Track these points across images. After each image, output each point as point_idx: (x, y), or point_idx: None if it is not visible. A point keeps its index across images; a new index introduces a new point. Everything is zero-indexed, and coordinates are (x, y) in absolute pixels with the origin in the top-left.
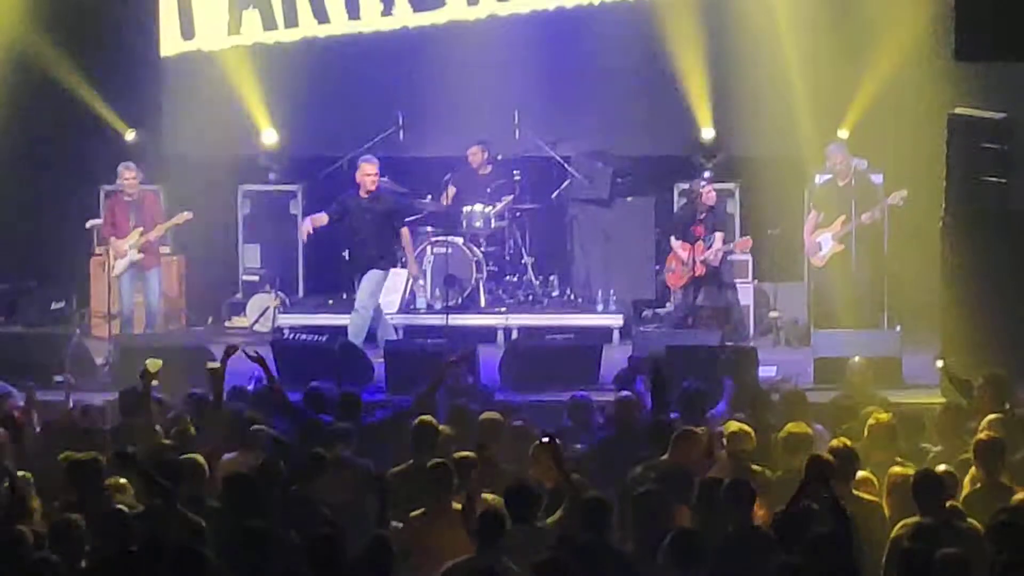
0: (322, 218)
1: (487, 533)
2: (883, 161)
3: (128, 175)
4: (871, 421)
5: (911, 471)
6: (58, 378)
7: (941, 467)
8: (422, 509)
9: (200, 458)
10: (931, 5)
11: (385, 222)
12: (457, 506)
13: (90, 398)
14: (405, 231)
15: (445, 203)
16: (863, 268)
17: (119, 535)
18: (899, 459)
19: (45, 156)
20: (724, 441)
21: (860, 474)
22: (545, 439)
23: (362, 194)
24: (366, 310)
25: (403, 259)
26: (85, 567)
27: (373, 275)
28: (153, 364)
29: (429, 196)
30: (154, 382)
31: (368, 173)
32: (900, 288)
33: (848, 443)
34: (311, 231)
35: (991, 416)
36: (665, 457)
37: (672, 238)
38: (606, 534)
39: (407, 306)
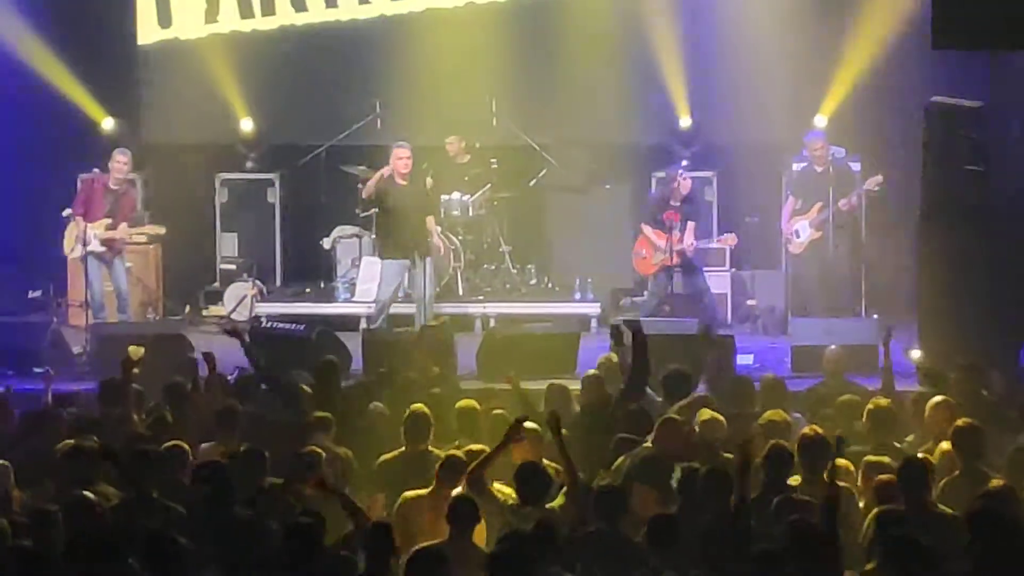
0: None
1: (460, 518)
2: (861, 149)
3: (121, 161)
4: (870, 406)
5: (886, 459)
6: (38, 370)
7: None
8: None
9: (183, 445)
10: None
11: (419, 209)
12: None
13: (68, 386)
14: (431, 219)
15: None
16: (840, 256)
17: (94, 524)
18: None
19: (22, 144)
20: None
21: (839, 462)
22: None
23: (399, 180)
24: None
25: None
26: (61, 556)
27: (391, 265)
28: (135, 352)
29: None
30: (134, 370)
31: (401, 157)
32: (877, 276)
33: (819, 431)
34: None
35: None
36: (648, 444)
37: (643, 224)
38: (619, 523)
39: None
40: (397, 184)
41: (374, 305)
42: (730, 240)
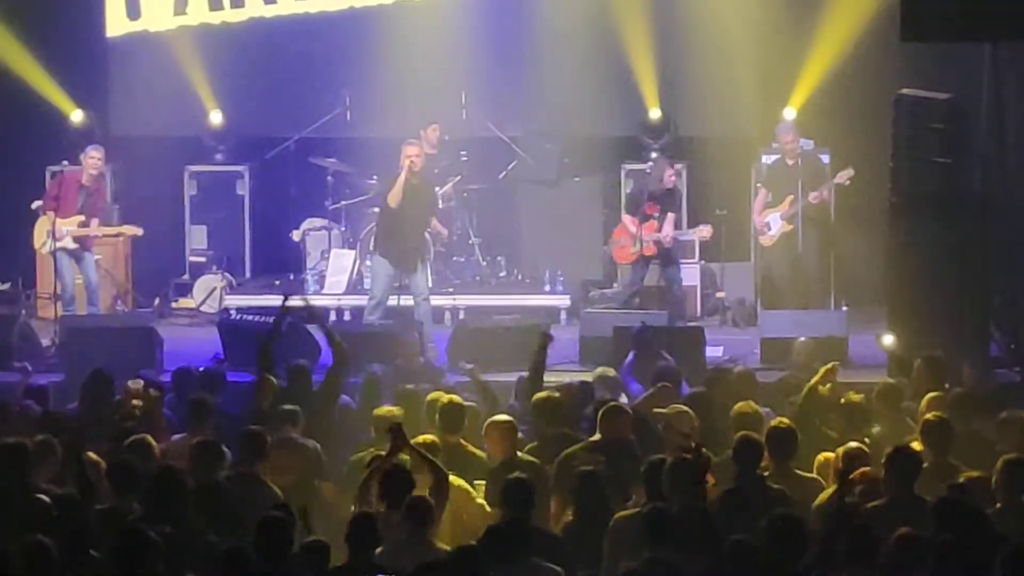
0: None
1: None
2: (830, 141)
3: (95, 157)
4: (843, 401)
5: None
6: (17, 364)
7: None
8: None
9: (149, 439)
10: None
11: (426, 207)
12: None
13: (37, 379)
14: (435, 221)
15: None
16: (810, 248)
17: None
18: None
19: None
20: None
21: (823, 456)
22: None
23: (411, 178)
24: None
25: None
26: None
27: (384, 263)
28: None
29: (375, 177)
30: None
31: (411, 155)
32: (847, 268)
33: (787, 423)
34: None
35: (932, 395)
36: (597, 437)
37: (623, 213)
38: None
39: (353, 287)
40: (408, 182)
41: (369, 299)
42: (705, 232)
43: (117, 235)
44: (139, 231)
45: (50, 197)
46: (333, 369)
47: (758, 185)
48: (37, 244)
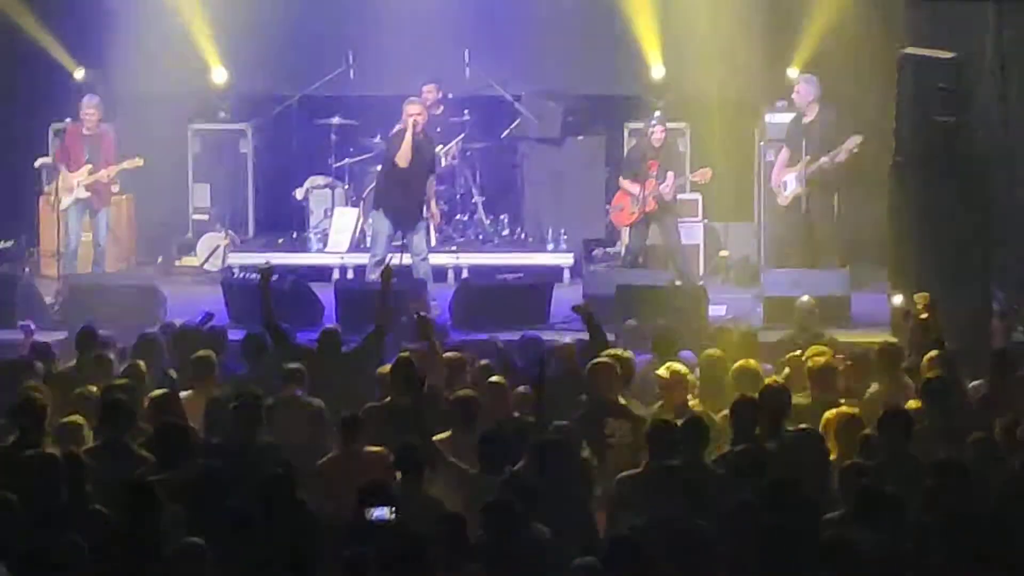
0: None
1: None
2: (834, 101)
3: (90, 108)
4: (810, 364)
5: (854, 410)
6: (21, 323)
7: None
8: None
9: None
10: None
11: (425, 165)
12: None
13: (40, 337)
14: (432, 179)
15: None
16: (815, 209)
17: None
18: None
19: None
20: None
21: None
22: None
23: (415, 136)
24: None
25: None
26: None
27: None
28: None
29: (379, 135)
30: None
31: (412, 114)
32: (850, 228)
33: (779, 381)
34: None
35: (932, 354)
36: (585, 397)
37: (621, 178)
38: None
39: (356, 245)
40: (415, 140)
41: (370, 256)
42: (706, 174)
43: (122, 168)
44: (139, 162)
45: (59, 153)
46: (373, 337)
47: (779, 143)
48: (49, 202)
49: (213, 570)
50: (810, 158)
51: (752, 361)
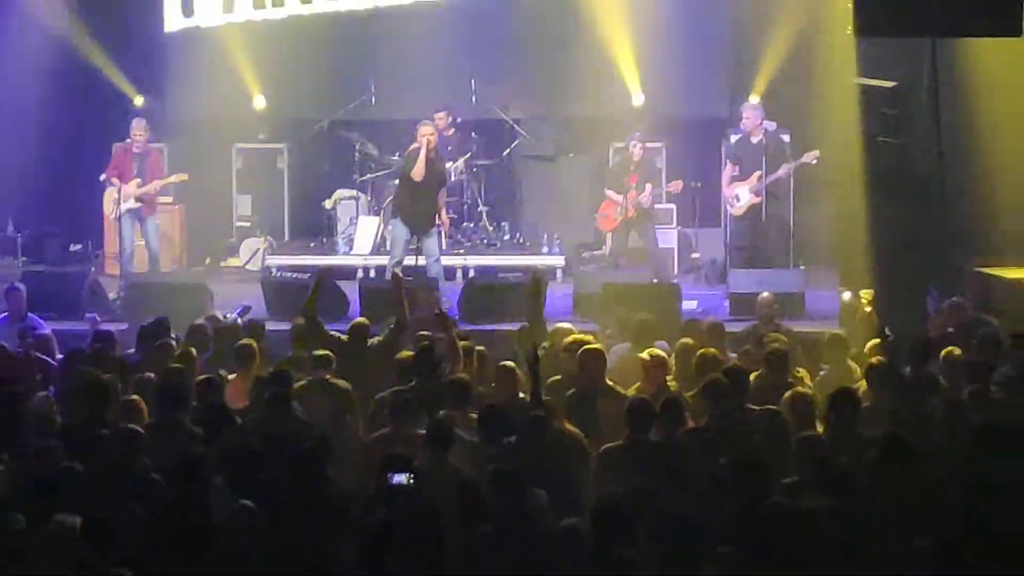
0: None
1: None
2: (790, 123)
3: (139, 130)
4: (769, 349)
5: (808, 391)
6: (88, 315)
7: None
8: None
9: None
10: None
11: (436, 180)
12: None
13: (105, 327)
14: (443, 192)
15: (419, 164)
16: (773, 216)
17: (130, 449)
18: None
19: (67, 119)
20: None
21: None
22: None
23: (428, 154)
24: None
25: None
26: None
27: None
28: None
29: (397, 153)
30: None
31: (426, 134)
32: (805, 233)
33: (740, 365)
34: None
35: (874, 343)
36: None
37: (606, 189)
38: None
39: (377, 249)
40: (427, 158)
41: (389, 258)
42: (678, 185)
43: (170, 184)
44: (185, 177)
45: (111, 169)
46: (392, 334)
47: (727, 160)
48: (107, 211)
49: (263, 531)
50: (760, 173)
51: (712, 349)
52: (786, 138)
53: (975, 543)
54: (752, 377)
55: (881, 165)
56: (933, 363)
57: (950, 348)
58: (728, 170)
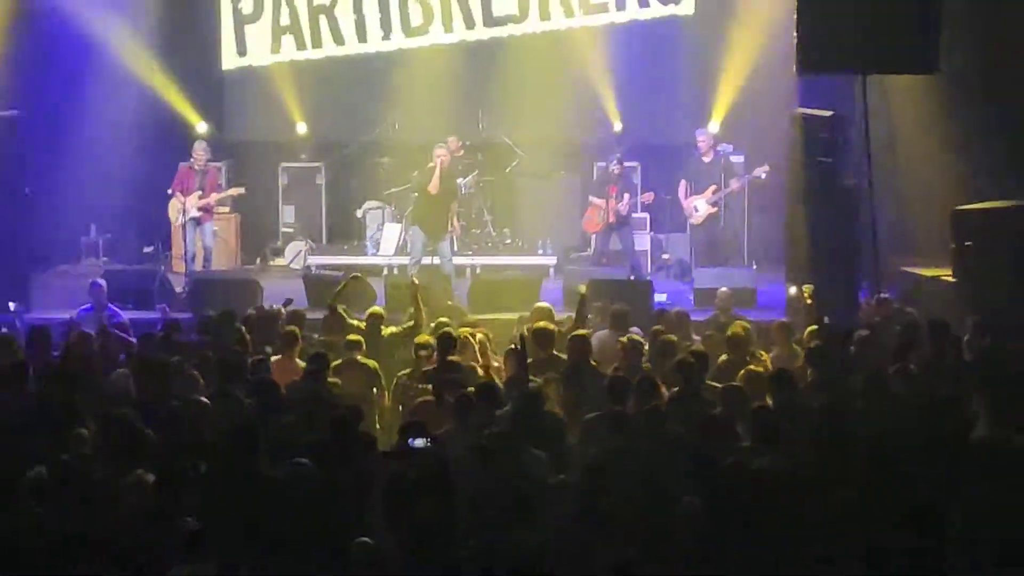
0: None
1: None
2: (743, 145)
3: (200, 150)
4: (729, 333)
5: (762, 368)
6: (158, 306)
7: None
8: None
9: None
10: (771, 33)
11: (448, 193)
12: None
13: (172, 317)
14: (455, 204)
15: (435, 180)
16: (729, 223)
17: (194, 416)
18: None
19: (139, 140)
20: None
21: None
22: (514, 347)
23: (442, 172)
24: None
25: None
26: (172, 439)
27: (419, 233)
28: None
29: (416, 172)
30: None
31: (440, 155)
32: (756, 238)
33: (702, 349)
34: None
35: (813, 329)
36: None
37: (591, 196)
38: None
39: (399, 250)
40: (441, 175)
41: (409, 259)
42: (650, 196)
43: (228, 197)
44: (242, 190)
45: (175, 184)
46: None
47: (680, 177)
48: (172, 219)
49: (313, 482)
50: (715, 187)
51: (672, 336)
52: (740, 158)
53: (892, 491)
54: (721, 360)
55: (818, 181)
56: (862, 345)
57: (876, 333)
58: (683, 186)
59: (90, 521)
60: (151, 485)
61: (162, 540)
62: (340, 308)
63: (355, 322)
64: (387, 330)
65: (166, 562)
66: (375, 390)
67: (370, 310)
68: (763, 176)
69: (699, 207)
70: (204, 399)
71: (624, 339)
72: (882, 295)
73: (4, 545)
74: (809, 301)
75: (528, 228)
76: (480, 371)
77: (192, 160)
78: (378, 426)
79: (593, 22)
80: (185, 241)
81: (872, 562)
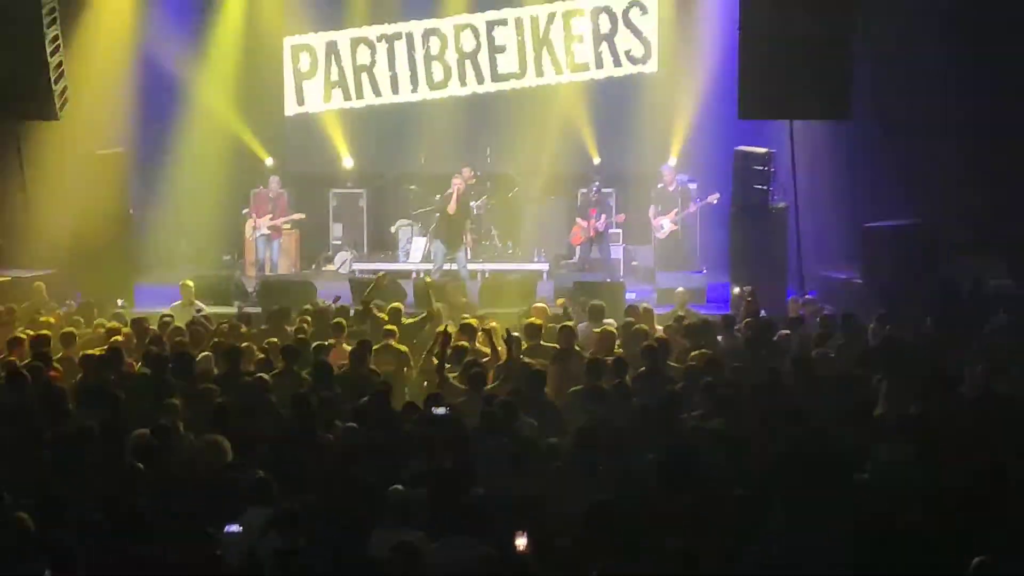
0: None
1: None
2: (696, 175)
3: (274, 183)
4: (685, 323)
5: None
6: (235, 302)
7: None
8: None
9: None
10: (718, 86)
11: (464, 214)
12: None
13: (246, 310)
14: (468, 221)
15: (452, 202)
16: (685, 238)
17: (262, 390)
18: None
19: (220, 170)
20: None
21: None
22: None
23: (458, 196)
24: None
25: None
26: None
27: (440, 245)
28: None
29: (438, 196)
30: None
31: (456, 183)
32: (708, 249)
33: (664, 336)
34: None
35: (750, 320)
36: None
37: (576, 216)
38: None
39: (425, 259)
40: (458, 199)
41: (432, 265)
42: (622, 217)
43: (291, 220)
44: (303, 216)
45: (252, 207)
46: (423, 320)
47: (651, 201)
48: (247, 235)
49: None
50: (677, 210)
51: (643, 325)
52: (695, 186)
53: (814, 449)
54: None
55: (755, 203)
56: (789, 334)
57: (801, 324)
58: (652, 210)
59: (180, 471)
60: (227, 446)
61: (235, 488)
62: (371, 304)
63: (381, 315)
64: (406, 320)
65: (239, 505)
66: (405, 369)
67: (392, 305)
68: (714, 201)
69: (664, 225)
70: (267, 376)
71: (600, 329)
72: (806, 294)
73: (112, 490)
74: (749, 299)
75: (526, 241)
76: (487, 350)
77: (263, 188)
78: (407, 397)
79: (578, 78)
80: (256, 251)
81: (790, 505)
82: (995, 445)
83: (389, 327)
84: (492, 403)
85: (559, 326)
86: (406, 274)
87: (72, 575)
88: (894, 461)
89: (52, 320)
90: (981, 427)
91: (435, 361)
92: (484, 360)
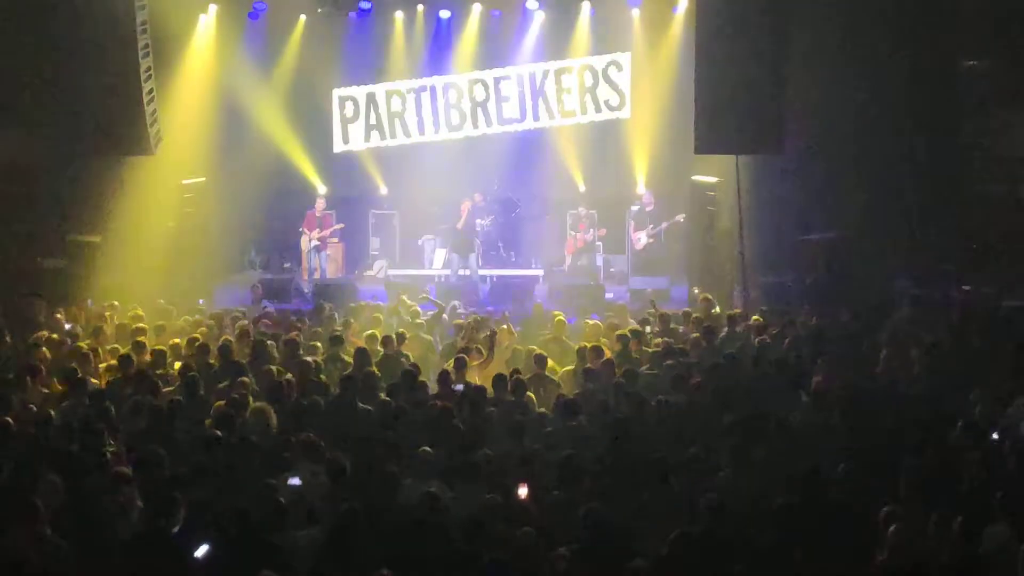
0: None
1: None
2: (665, 198)
3: (320, 202)
4: (659, 314)
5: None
6: (293, 301)
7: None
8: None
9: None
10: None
11: (471, 231)
12: None
13: (303, 307)
14: (476, 236)
15: (461, 221)
16: (655, 248)
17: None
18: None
19: (281, 194)
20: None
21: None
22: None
23: (467, 216)
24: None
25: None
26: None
27: (455, 255)
28: None
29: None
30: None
31: (467, 206)
32: (672, 258)
33: (639, 328)
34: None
35: (696, 315)
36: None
37: (568, 230)
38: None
39: (444, 266)
40: (466, 218)
41: (449, 270)
42: (603, 232)
43: (336, 231)
44: (343, 225)
45: (305, 223)
46: (436, 316)
47: (630, 220)
48: (303, 247)
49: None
50: (652, 226)
51: (616, 319)
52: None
53: (757, 417)
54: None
55: (708, 222)
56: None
57: (745, 318)
58: (631, 226)
59: (245, 432)
60: (271, 409)
61: (286, 448)
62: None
63: (410, 307)
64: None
65: (291, 462)
66: (430, 355)
67: (411, 308)
68: (680, 220)
69: (641, 239)
70: (311, 360)
71: (585, 322)
72: (749, 294)
73: (197, 452)
74: (703, 298)
75: (526, 251)
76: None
77: (314, 208)
78: (433, 378)
79: (567, 122)
80: (310, 260)
81: (736, 459)
82: (898, 414)
83: (419, 322)
84: (504, 380)
85: (555, 319)
86: (429, 279)
87: (173, 514)
88: (817, 423)
89: (141, 313)
90: (886, 401)
91: (485, 354)
92: (480, 361)
